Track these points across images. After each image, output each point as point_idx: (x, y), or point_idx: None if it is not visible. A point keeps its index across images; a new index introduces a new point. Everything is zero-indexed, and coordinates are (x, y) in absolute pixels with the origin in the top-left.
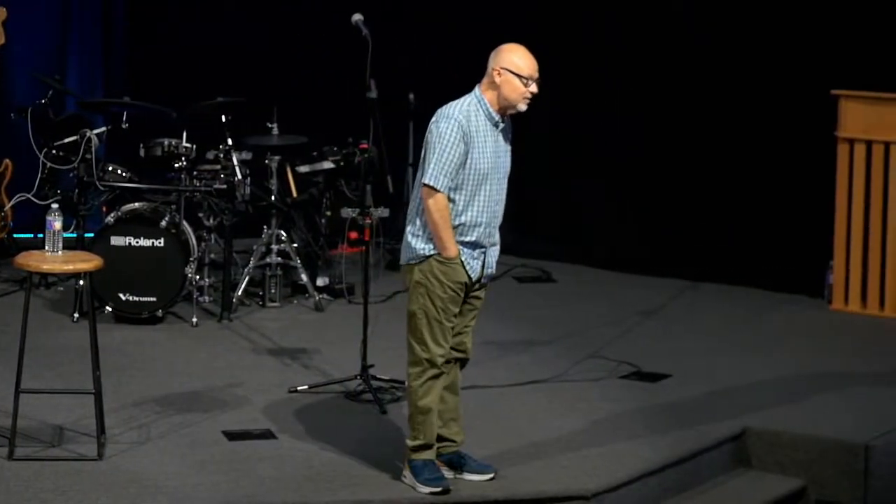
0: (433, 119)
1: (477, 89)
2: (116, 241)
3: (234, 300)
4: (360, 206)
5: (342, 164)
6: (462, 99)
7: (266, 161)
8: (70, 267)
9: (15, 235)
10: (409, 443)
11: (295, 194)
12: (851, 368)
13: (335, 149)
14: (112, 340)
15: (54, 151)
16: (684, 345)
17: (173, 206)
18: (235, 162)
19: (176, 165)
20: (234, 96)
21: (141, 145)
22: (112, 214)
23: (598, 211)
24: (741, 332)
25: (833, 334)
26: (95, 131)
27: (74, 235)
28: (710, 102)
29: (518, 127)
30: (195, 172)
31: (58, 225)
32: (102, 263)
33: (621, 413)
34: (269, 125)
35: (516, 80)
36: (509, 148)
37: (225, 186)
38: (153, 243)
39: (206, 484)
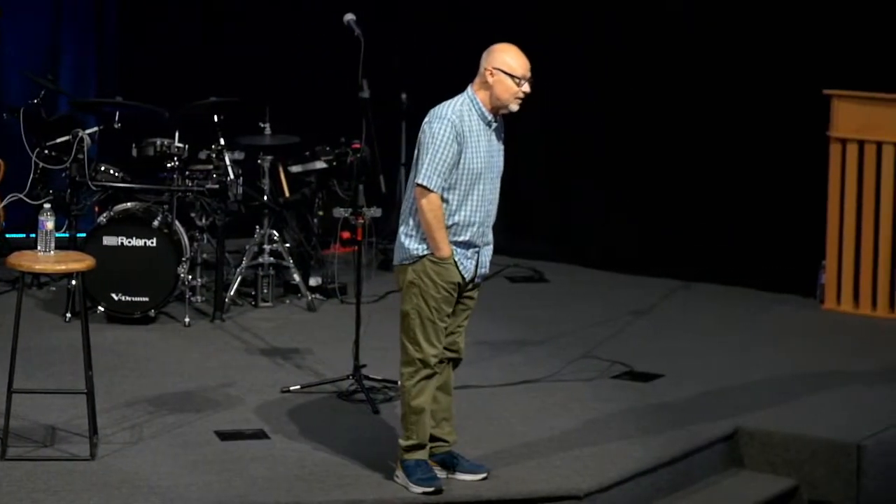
0: (426, 119)
1: (469, 89)
2: (109, 241)
3: (226, 300)
4: (352, 205)
5: (334, 163)
6: (454, 99)
7: (258, 161)
8: (62, 267)
9: (7, 235)
10: (402, 443)
11: (287, 194)
12: (844, 368)
13: (327, 149)
14: (104, 340)
15: (46, 151)
16: (677, 345)
17: (165, 206)
18: (228, 162)
19: (168, 165)
20: (227, 96)
21: (133, 145)
22: (104, 214)
23: (590, 211)
24: (734, 331)
25: (825, 334)
26: (88, 131)
27: (67, 235)
28: (703, 102)
29: (511, 126)
30: (187, 172)
31: (50, 225)
32: (95, 263)
33: (614, 413)
34: (262, 125)
35: (509, 80)
36: (502, 147)
37: (217, 186)
38: (145, 243)
39: (198, 484)
